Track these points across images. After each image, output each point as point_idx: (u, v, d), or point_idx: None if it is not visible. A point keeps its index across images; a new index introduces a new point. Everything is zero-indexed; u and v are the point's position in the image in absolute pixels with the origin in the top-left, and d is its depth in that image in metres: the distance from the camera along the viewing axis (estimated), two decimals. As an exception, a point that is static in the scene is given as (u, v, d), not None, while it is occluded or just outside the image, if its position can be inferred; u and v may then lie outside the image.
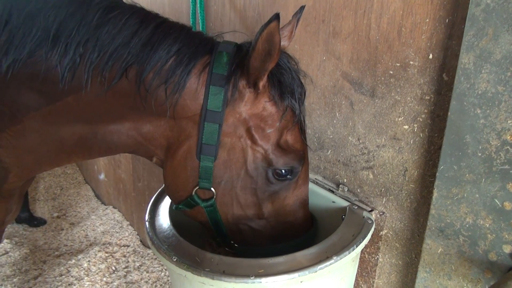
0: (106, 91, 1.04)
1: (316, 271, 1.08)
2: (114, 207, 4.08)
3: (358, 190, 1.40)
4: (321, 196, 1.45)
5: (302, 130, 1.17)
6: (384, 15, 1.19)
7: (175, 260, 1.14)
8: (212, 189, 1.14)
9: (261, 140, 1.10)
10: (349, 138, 1.39)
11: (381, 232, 1.35)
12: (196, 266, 1.11)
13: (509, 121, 0.92)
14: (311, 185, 1.49)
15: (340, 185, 1.45)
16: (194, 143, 1.10)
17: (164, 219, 1.36)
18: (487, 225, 1.00)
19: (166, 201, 1.46)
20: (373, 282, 1.42)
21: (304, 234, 1.26)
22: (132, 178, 3.44)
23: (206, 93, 1.05)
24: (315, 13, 1.40)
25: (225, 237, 1.25)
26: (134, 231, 3.65)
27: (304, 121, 1.17)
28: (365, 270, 1.44)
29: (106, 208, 4.12)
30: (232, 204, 1.17)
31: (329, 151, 1.48)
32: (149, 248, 3.43)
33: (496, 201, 0.97)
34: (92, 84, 1.04)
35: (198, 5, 1.88)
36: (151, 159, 1.23)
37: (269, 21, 0.92)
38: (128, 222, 3.77)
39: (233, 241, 1.26)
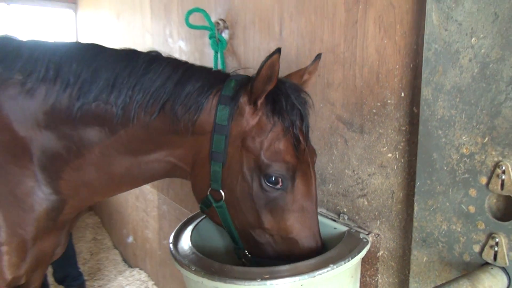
0: (149, 122, 1.36)
1: (314, 276, 1.24)
2: (140, 269, 4.22)
3: (356, 217, 1.57)
4: (324, 224, 1.63)
5: (296, 147, 1.34)
6: (365, 66, 1.47)
7: (193, 269, 1.32)
8: (222, 191, 1.36)
9: (253, 148, 1.32)
10: (346, 171, 1.60)
11: (378, 254, 1.49)
12: (211, 273, 1.29)
13: (463, 137, 1.13)
14: (316, 216, 1.67)
15: (341, 214, 1.63)
16: (207, 152, 1.35)
17: (185, 243, 1.56)
18: (459, 229, 1.17)
19: (188, 231, 1.66)
20: (376, 304, 1.53)
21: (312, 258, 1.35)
22: (158, 236, 3.63)
23: (216, 111, 1.33)
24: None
25: (239, 244, 1.44)
26: (158, 291, 3.75)
27: (298, 139, 1.33)
28: (367, 293, 1.56)
29: (133, 270, 4.26)
30: (236, 207, 1.37)
31: (330, 184, 1.68)
32: (172, 307, 3.51)
33: (463, 206, 1.15)
34: (138, 118, 1.36)
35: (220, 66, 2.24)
36: (187, 178, 1.49)
37: (273, 53, 1.20)
38: (153, 282, 3.89)
39: (247, 251, 1.43)
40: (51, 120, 1.43)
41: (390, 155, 1.41)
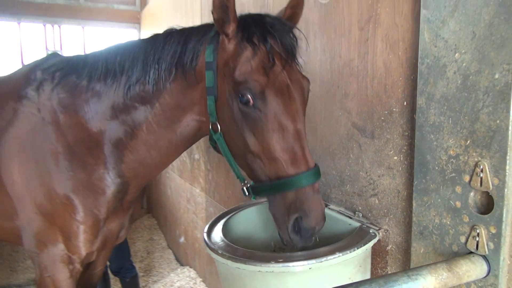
0: (172, 88, 1.66)
1: (321, 261, 1.43)
2: (190, 267, 4.55)
3: (369, 215, 1.73)
4: (340, 220, 1.80)
5: (269, 68, 1.42)
6: (375, 78, 1.64)
7: (220, 252, 1.56)
8: (217, 124, 1.55)
9: (229, 73, 1.47)
10: (360, 172, 1.77)
11: (387, 248, 1.64)
12: (235, 256, 1.52)
13: (450, 140, 1.27)
14: (335, 213, 1.85)
15: (356, 212, 1.79)
16: (205, 90, 1.58)
17: (217, 233, 1.80)
18: (448, 222, 1.30)
19: (220, 224, 1.91)
20: (386, 295, 1.67)
21: (301, 172, 1.40)
22: (206, 236, 3.93)
23: (205, 52, 1.57)
24: (332, 82, 1.89)
25: (239, 175, 1.60)
26: (205, 287, 4.04)
27: (272, 61, 1.42)
28: (379, 285, 1.70)
29: (184, 268, 4.60)
30: (228, 135, 1.53)
31: (348, 185, 1.85)
32: (217, 303, 3.77)
33: (451, 202, 1.29)
34: (165, 87, 1.67)
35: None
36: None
37: None
38: (201, 279, 4.19)
39: (246, 181, 1.57)
40: (113, 111, 1.80)
41: (396, 157, 1.57)
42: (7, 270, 4.95)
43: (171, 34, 1.72)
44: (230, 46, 1.51)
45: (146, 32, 6.18)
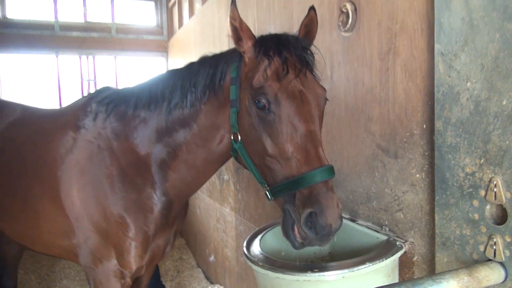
0: (207, 109, 1.86)
1: (353, 271, 1.58)
2: (221, 285, 4.69)
3: (395, 228, 1.88)
4: (368, 234, 1.95)
5: (283, 76, 1.57)
6: (396, 104, 1.81)
7: (260, 264, 1.73)
8: (238, 133, 1.72)
9: (248, 84, 1.65)
10: (385, 190, 1.92)
11: (414, 259, 1.78)
12: (274, 267, 1.69)
13: (466, 159, 1.43)
14: (363, 228, 2.00)
15: (383, 226, 1.94)
16: (229, 103, 1.78)
17: (255, 247, 1.98)
18: (468, 233, 1.45)
19: (257, 238, 2.08)
20: (414, 303, 1.80)
21: (314, 169, 1.48)
22: (236, 254, 4.09)
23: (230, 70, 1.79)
24: (357, 107, 2.07)
25: (259, 180, 1.69)
26: (236, 304, 4.17)
27: (287, 69, 1.58)
28: (407, 294, 1.83)
29: (214, 286, 4.75)
30: (248, 142, 1.68)
31: (374, 202, 2.01)
32: (249, 319, 3.90)
33: (470, 214, 1.43)
34: (200, 107, 1.88)
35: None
36: None
37: (231, 8, 1.63)
38: (231, 296, 4.33)
39: (267, 185, 1.65)
40: (157, 135, 2.03)
41: (418, 175, 1.72)
42: (46, 290, 5.20)
43: (204, 60, 1.96)
44: (249, 60, 1.72)
45: (173, 60, 6.52)
